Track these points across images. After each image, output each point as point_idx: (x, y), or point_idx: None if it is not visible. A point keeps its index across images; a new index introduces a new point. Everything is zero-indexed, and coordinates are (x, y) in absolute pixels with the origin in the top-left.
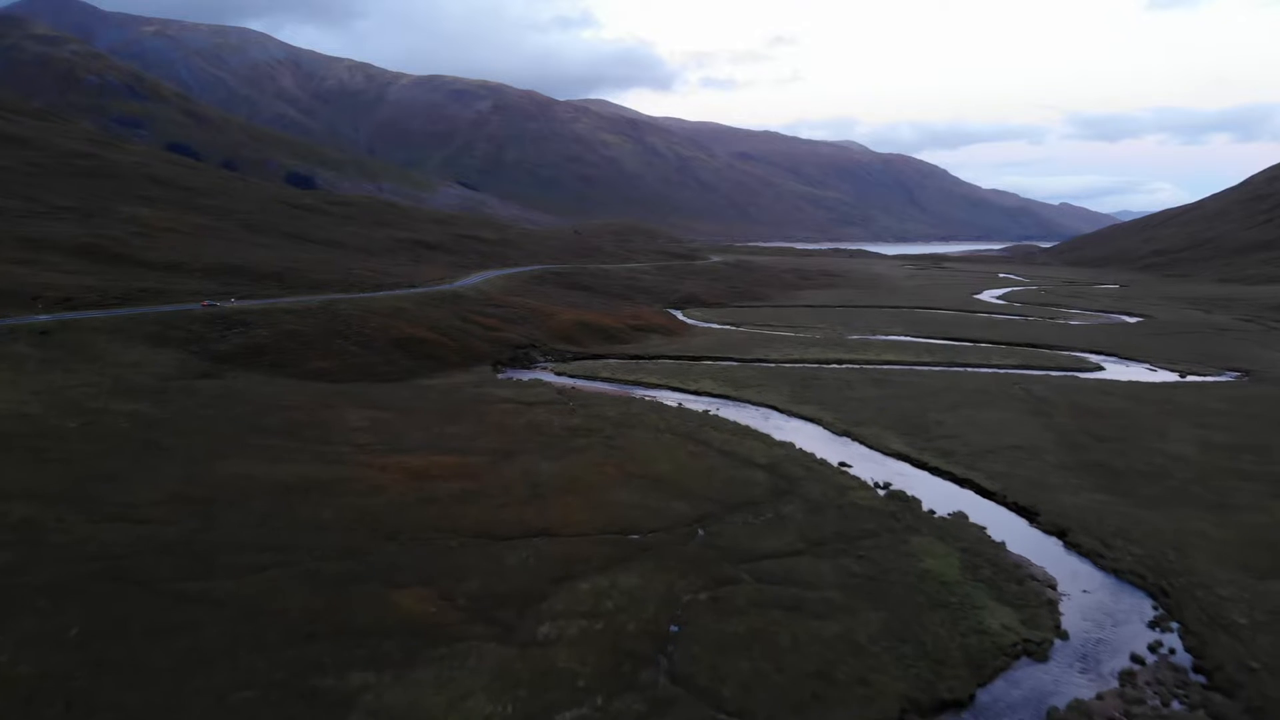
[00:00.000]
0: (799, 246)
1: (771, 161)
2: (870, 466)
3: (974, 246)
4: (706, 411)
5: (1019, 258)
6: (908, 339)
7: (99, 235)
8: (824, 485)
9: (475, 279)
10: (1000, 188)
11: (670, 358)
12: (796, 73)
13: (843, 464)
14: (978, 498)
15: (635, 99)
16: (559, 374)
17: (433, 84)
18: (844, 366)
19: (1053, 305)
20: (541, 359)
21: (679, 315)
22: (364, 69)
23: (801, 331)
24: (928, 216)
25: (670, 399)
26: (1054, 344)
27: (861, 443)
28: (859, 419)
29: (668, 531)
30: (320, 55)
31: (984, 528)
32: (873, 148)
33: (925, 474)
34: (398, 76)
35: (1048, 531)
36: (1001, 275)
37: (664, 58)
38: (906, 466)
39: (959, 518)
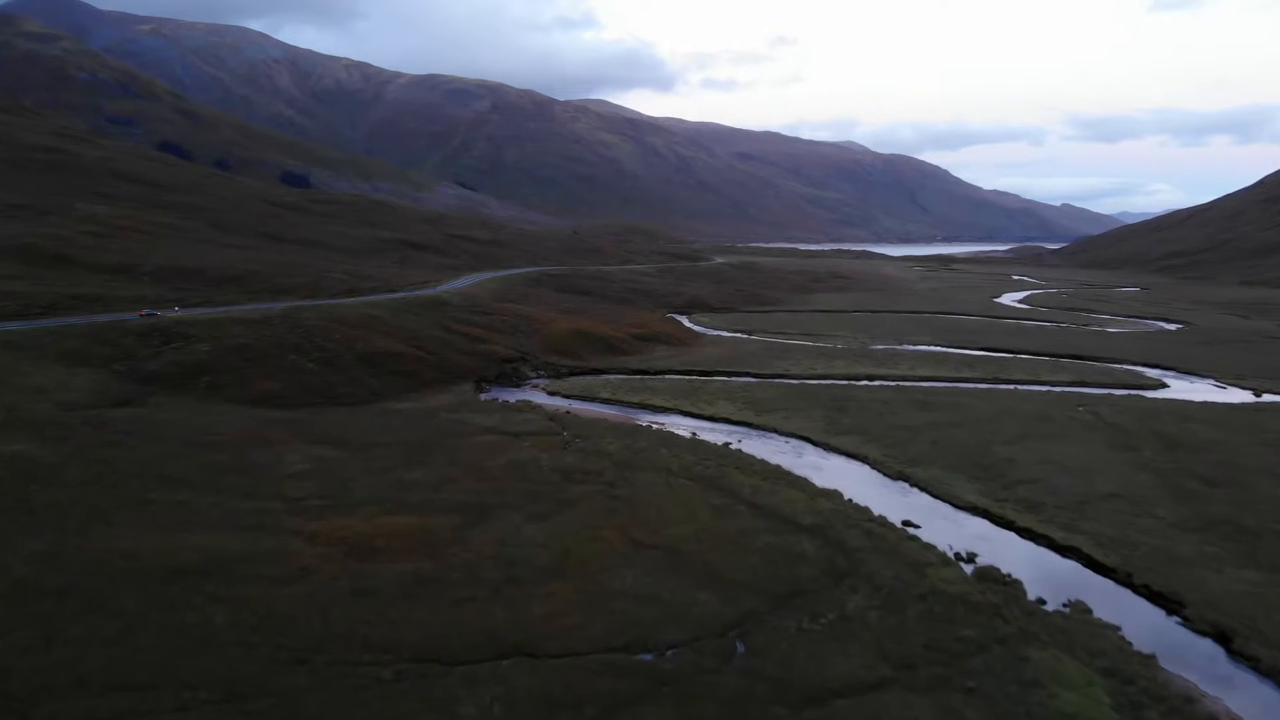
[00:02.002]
0: (803, 247)
1: (772, 162)
2: (942, 526)
3: (978, 247)
4: (727, 445)
5: (1027, 259)
6: (939, 349)
7: (43, 235)
8: (893, 561)
9: (463, 282)
10: (1001, 189)
11: (679, 372)
12: (797, 73)
13: (908, 524)
14: (1090, 574)
15: (636, 100)
16: (552, 393)
17: (430, 83)
18: (877, 384)
19: (1080, 310)
20: (533, 375)
21: (685, 321)
22: (361, 68)
23: (821, 341)
24: (930, 217)
25: (682, 426)
26: (1101, 355)
27: (923, 489)
28: (912, 455)
29: (693, 647)
30: (317, 54)
31: (1118, 628)
32: (873, 148)
33: (1012, 536)
34: (395, 76)
35: (1202, 632)
36: (1015, 277)
37: (665, 58)
38: (986, 525)
39: (1081, 613)
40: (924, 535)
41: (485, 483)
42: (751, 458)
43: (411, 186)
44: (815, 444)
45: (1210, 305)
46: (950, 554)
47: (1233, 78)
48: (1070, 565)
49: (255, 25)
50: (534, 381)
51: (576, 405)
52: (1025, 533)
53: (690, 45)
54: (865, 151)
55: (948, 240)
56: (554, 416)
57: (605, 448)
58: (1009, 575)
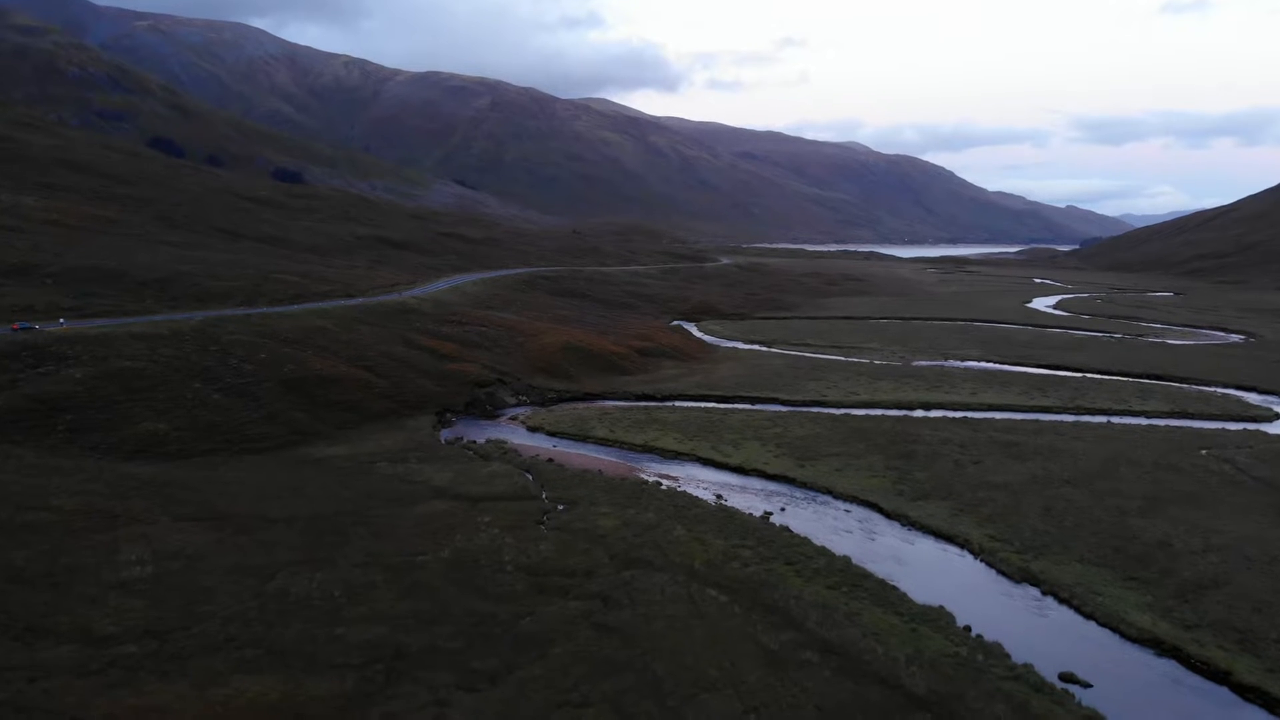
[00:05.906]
0: (808, 248)
1: (776, 162)
2: (1121, 681)
3: (985, 249)
4: (767, 517)
5: (1042, 261)
6: (994, 366)
7: None
8: None
9: (441, 285)
10: (1005, 190)
11: (691, 398)
12: (803, 74)
13: (1069, 679)
14: None
15: (641, 100)
16: (534, 429)
17: (430, 80)
18: (937, 414)
19: (1124, 318)
20: (512, 402)
21: (694, 330)
22: (360, 65)
23: (853, 354)
24: (935, 218)
25: (702, 482)
26: (1182, 376)
27: (1065, 603)
28: (1028, 537)
29: None
30: (316, 51)
31: None
32: (877, 149)
33: (1228, 694)
34: (395, 73)
35: None
36: (1038, 280)
37: (670, 59)
38: (1178, 669)
39: None
40: (1104, 707)
41: (411, 600)
42: (807, 543)
43: (409, 184)
44: (887, 515)
45: (1262, 313)
46: None
47: (1238, 80)
48: None
49: (258, 23)
50: (513, 411)
51: (563, 447)
52: (1250, 694)
53: (696, 46)
54: (869, 152)
55: (953, 242)
56: (531, 467)
57: (597, 523)
58: None
